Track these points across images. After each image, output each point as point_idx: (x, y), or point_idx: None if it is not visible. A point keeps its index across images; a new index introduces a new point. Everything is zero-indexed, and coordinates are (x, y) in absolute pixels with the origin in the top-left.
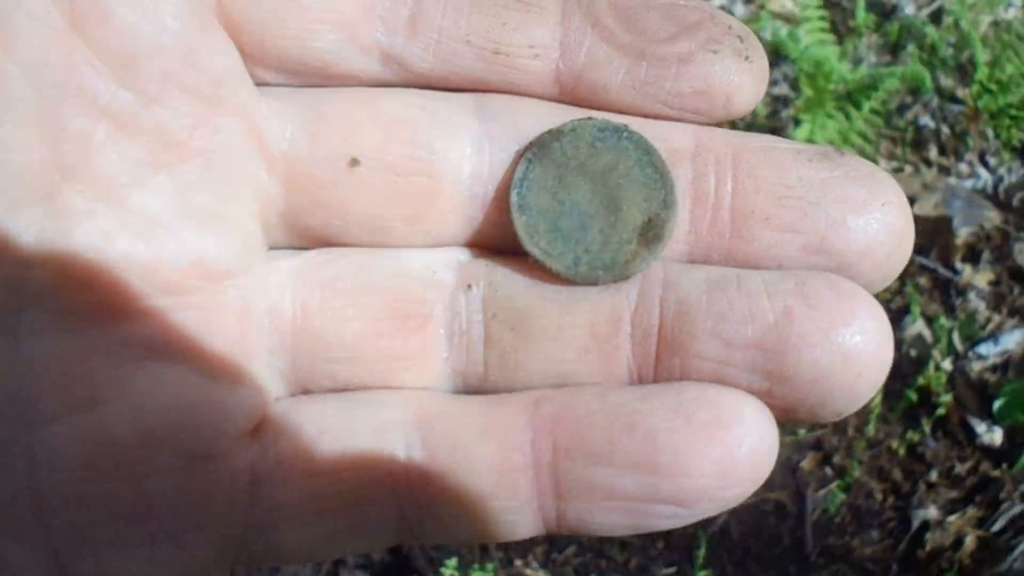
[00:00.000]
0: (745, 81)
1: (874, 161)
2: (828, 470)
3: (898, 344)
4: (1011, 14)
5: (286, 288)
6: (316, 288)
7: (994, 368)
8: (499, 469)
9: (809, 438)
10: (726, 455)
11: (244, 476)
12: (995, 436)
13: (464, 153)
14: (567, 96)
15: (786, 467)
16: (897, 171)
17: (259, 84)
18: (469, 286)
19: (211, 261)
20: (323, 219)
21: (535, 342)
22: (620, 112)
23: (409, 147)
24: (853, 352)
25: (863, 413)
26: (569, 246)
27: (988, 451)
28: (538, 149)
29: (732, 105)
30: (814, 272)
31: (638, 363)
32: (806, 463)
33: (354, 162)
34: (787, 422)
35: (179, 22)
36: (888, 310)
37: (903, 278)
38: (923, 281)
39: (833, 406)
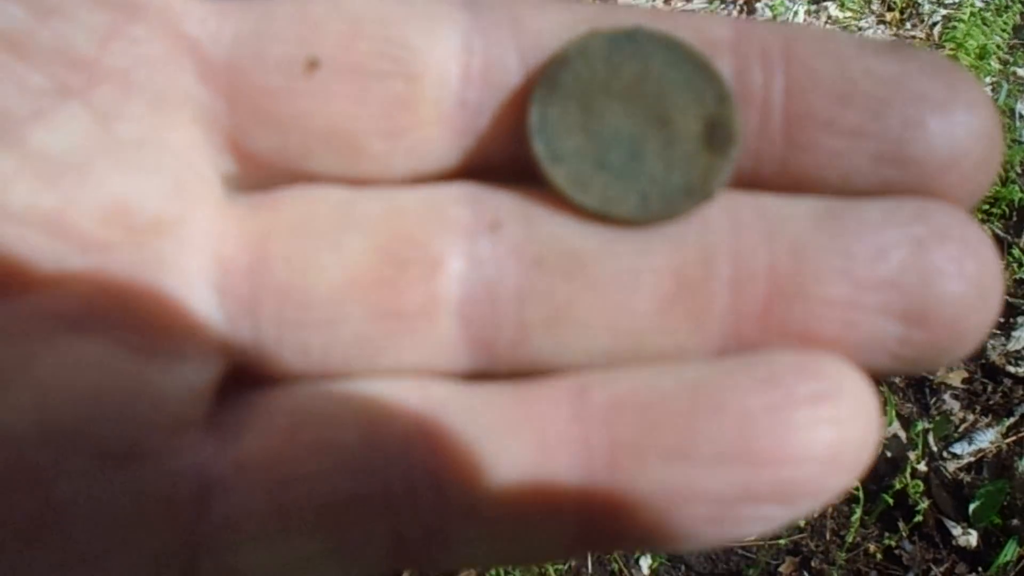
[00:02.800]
0: None
1: None
2: (806, 575)
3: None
4: None
5: (241, 234)
6: (281, 231)
7: (968, 467)
8: (535, 476)
9: (787, 543)
10: (836, 436)
11: (188, 481)
12: (971, 538)
13: (450, 50)
14: None
15: (764, 573)
16: None
17: None
18: (496, 223)
19: (138, 206)
20: (279, 138)
21: (602, 293)
22: None
23: (380, 43)
24: (987, 286)
25: (843, 519)
26: (629, 183)
27: (964, 553)
28: (546, 87)
29: None
30: (920, 198)
31: (737, 317)
32: (784, 568)
33: (312, 64)
34: (889, 375)
35: None
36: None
37: (878, 379)
38: (898, 380)
39: (961, 349)
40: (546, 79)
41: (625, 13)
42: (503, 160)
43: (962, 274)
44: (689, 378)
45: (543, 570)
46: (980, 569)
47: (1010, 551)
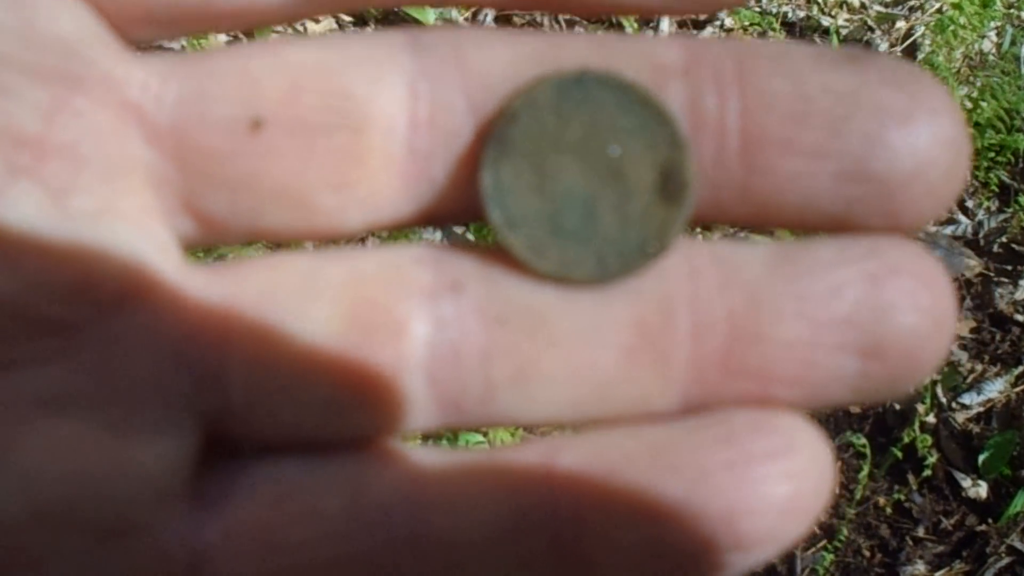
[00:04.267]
0: None
1: None
2: (816, 530)
3: None
4: (987, 46)
5: (206, 304)
6: (247, 300)
7: (977, 418)
8: (510, 537)
9: None
10: (792, 489)
11: (179, 552)
12: (980, 490)
13: (395, 97)
14: None
15: None
16: None
17: (135, 42)
18: (458, 284)
19: (100, 283)
20: (230, 199)
21: (565, 348)
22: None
23: (323, 96)
24: (941, 315)
25: (852, 474)
26: (585, 245)
27: (973, 505)
28: (497, 147)
29: None
30: (870, 234)
31: (699, 363)
32: None
33: (256, 124)
34: (849, 405)
35: None
36: None
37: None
38: None
39: (919, 376)
40: (495, 138)
41: (572, 44)
42: (458, 205)
43: (916, 306)
44: (650, 439)
45: None
46: (990, 520)
47: (1020, 502)
